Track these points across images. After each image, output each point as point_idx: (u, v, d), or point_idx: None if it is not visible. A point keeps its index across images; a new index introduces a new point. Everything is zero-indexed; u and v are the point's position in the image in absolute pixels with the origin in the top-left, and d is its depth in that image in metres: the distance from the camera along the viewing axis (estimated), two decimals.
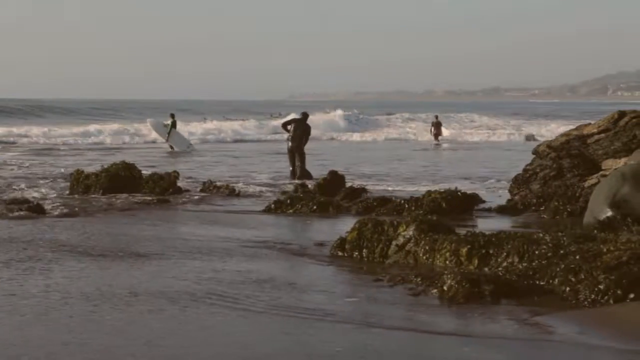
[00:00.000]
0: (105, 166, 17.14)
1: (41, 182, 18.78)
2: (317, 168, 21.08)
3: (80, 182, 16.42)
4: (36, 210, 13.35)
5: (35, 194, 15.91)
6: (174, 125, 33.32)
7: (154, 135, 36.39)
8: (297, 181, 19.07)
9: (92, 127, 44.59)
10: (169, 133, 33.13)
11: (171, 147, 33.03)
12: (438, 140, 40.42)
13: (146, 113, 66.27)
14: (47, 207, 13.94)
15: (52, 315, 6.90)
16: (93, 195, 15.83)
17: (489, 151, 33.74)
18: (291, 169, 20.37)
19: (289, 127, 20.83)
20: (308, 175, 19.81)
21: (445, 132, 42.30)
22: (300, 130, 20.51)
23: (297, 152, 20.24)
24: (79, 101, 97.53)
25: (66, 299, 7.46)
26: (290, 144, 20.33)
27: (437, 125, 41.43)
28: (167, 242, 10.62)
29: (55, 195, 16.12)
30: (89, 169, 17.86)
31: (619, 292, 6.98)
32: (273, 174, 21.49)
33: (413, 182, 19.44)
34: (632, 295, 6.93)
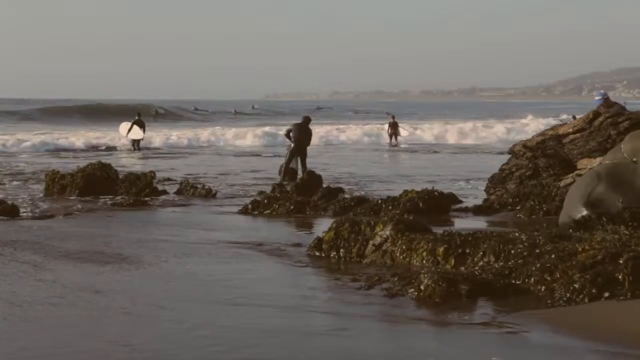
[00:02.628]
0: (81, 166, 17.02)
1: (15, 183, 18.63)
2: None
3: (56, 183, 16.30)
4: (10, 211, 13.21)
5: (9, 195, 15.75)
6: (138, 123, 34.17)
7: (121, 138, 36.35)
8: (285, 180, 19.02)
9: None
10: (129, 129, 34.01)
11: (134, 145, 33.74)
12: (396, 141, 40.15)
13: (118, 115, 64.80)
14: (22, 208, 13.81)
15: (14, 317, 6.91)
16: (69, 197, 15.70)
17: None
18: (284, 168, 20.27)
19: (291, 133, 20.72)
20: (295, 176, 19.81)
21: (403, 132, 41.95)
22: (304, 134, 20.55)
23: (300, 154, 20.23)
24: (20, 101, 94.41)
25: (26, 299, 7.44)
26: (293, 145, 20.23)
27: (393, 126, 41.14)
28: (139, 244, 10.54)
29: (30, 196, 15.98)
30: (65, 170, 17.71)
31: (594, 290, 7.02)
32: (250, 175, 21.45)
33: (387, 182, 19.48)
34: (607, 294, 6.98)
